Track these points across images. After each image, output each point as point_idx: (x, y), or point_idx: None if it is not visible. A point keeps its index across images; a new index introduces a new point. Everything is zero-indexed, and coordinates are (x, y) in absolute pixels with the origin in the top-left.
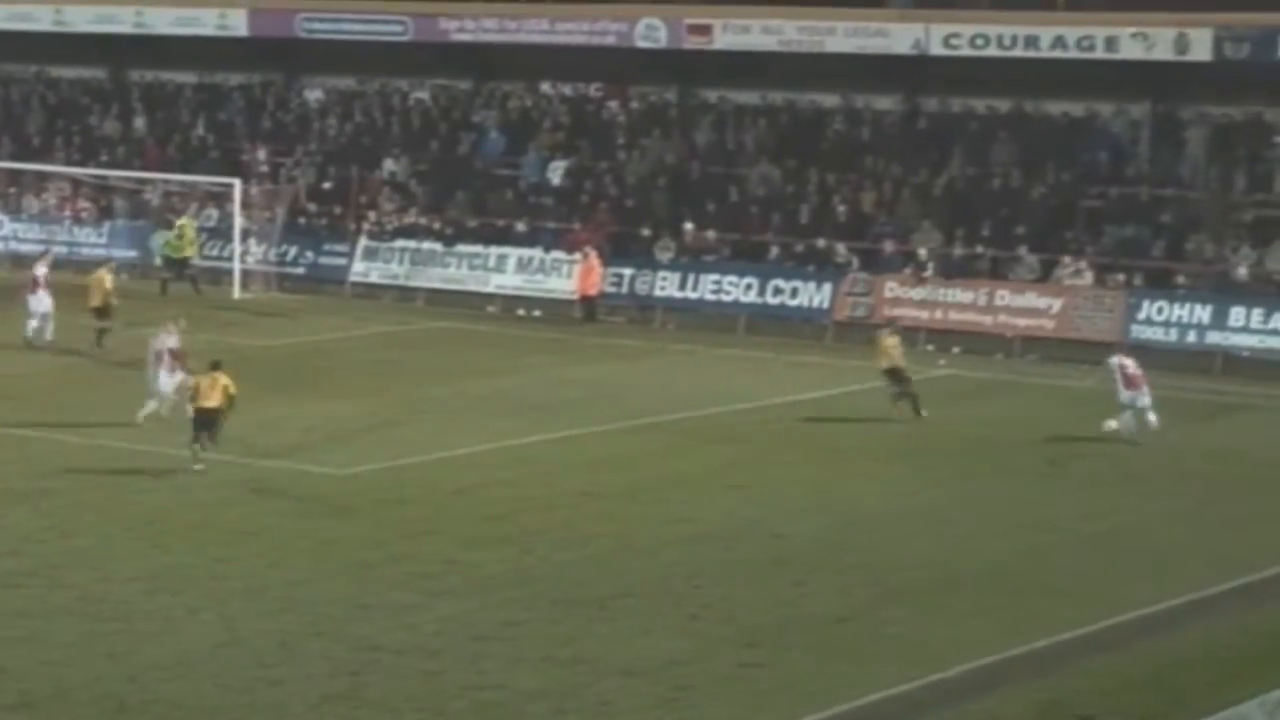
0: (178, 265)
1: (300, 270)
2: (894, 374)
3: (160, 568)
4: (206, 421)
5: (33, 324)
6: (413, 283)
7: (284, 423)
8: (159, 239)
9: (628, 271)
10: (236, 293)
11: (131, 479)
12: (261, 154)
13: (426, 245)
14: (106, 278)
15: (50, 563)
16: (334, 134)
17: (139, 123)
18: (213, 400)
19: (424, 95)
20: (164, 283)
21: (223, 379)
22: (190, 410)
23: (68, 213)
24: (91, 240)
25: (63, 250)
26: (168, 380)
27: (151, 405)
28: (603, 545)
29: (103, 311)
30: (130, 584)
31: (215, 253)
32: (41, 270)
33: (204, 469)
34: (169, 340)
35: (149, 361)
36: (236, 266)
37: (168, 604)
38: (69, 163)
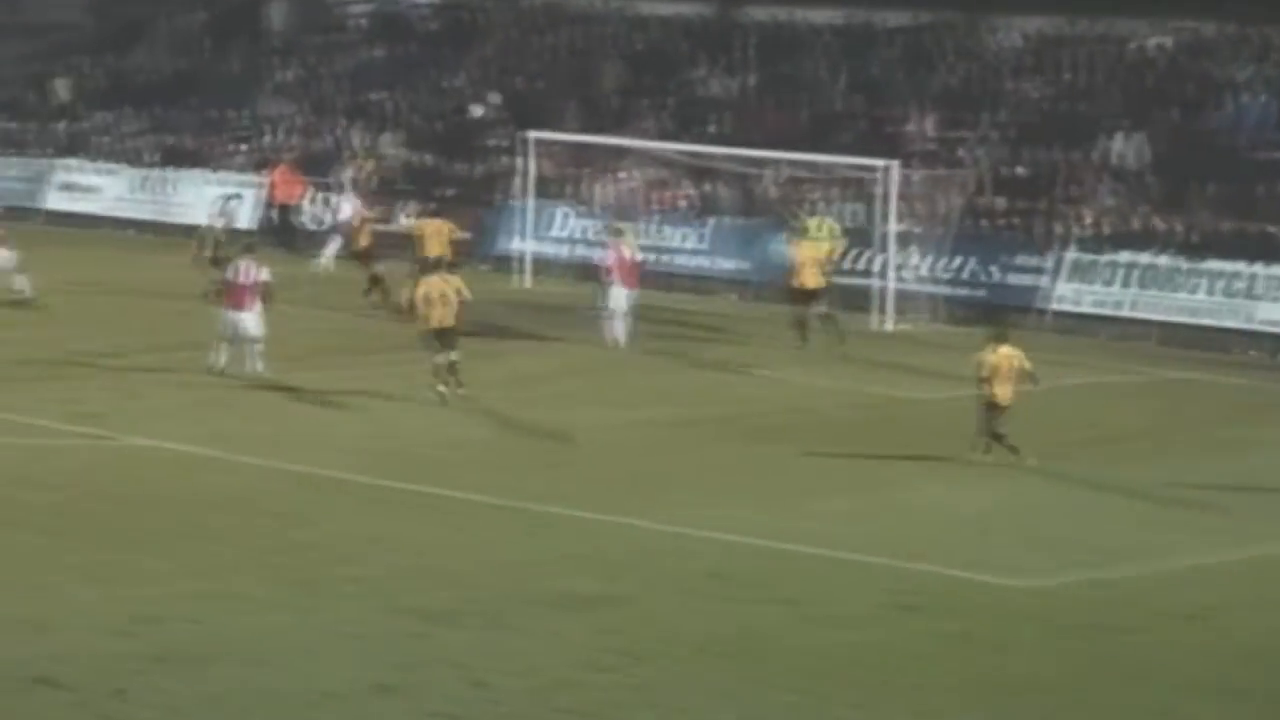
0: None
1: (979, 292)
2: None
3: (764, 712)
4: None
5: None
6: (1140, 313)
7: (941, 510)
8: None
9: None
10: (889, 323)
11: (721, 580)
12: (928, 125)
13: (1162, 260)
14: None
15: (616, 700)
16: (1034, 98)
17: (753, 80)
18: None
19: (1164, 41)
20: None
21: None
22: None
23: (656, 205)
24: (689, 245)
25: (651, 259)
26: None
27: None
28: None
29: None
30: None
31: (853, 265)
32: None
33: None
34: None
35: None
36: (890, 285)
37: None
38: (660, 135)
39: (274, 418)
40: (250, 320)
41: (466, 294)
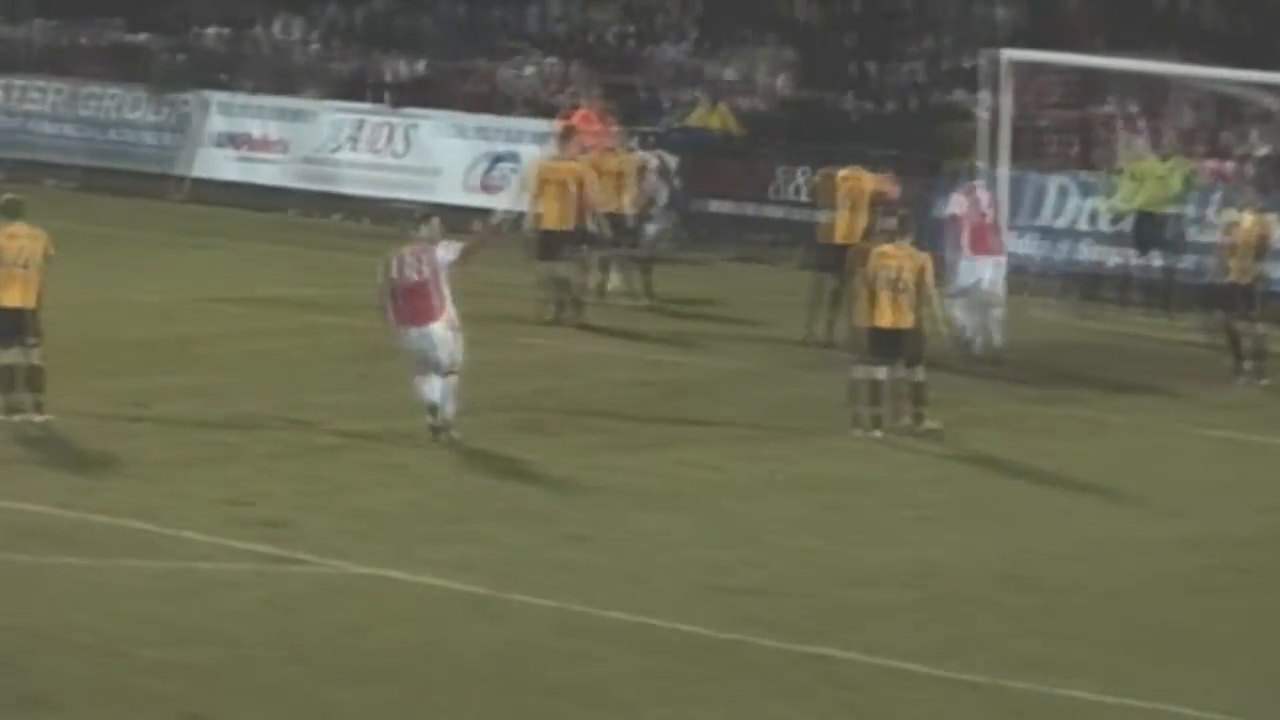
0: None
1: None
2: None
3: None
4: None
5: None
6: None
7: None
8: None
9: None
10: None
11: None
12: None
13: None
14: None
15: None
16: None
17: None
18: None
19: None
20: None
21: None
22: None
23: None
24: None
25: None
26: None
27: None
28: None
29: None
30: None
31: None
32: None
33: None
34: None
35: None
36: None
37: None
38: (1216, 56)
39: (558, 528)
40: (439, 337)
41: (930, 278)
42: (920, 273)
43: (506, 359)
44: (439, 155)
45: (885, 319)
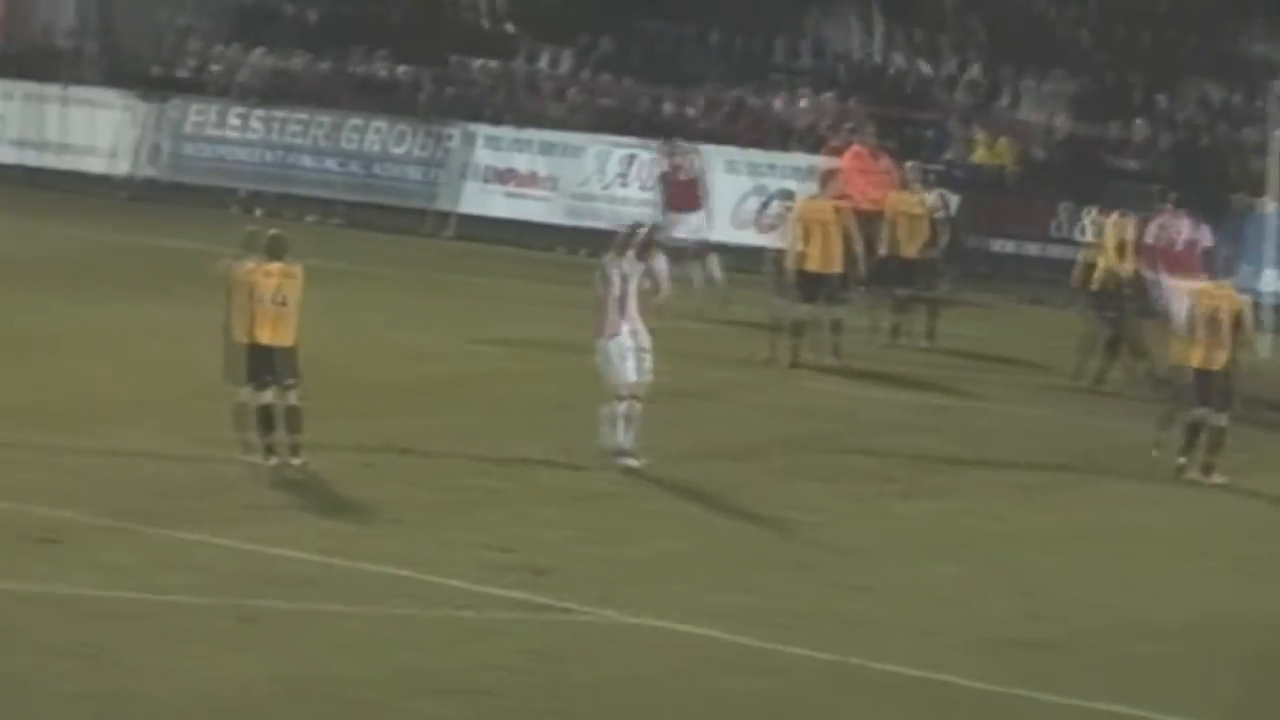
0: None
1: None
2: None
3: None
4: None
5: None
6: None
7: None
8: None
9: None
10: None
11: None
12: None
13: None
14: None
15: None
16: None
17: None
18: None
19: None
20: None
21: None
22: None
23: None
24: None
25: None
26: None
27: None
28: None
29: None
30: None
31: None
32: None
33: None
34: None
35: None
36: None
37: None
38: None
39: (835, 578)
40: (607, 353)
41: (1249, 321)
42: (1236, 315)
43: (776, 402)
44: (711, 192)
45: (1197, 358)
